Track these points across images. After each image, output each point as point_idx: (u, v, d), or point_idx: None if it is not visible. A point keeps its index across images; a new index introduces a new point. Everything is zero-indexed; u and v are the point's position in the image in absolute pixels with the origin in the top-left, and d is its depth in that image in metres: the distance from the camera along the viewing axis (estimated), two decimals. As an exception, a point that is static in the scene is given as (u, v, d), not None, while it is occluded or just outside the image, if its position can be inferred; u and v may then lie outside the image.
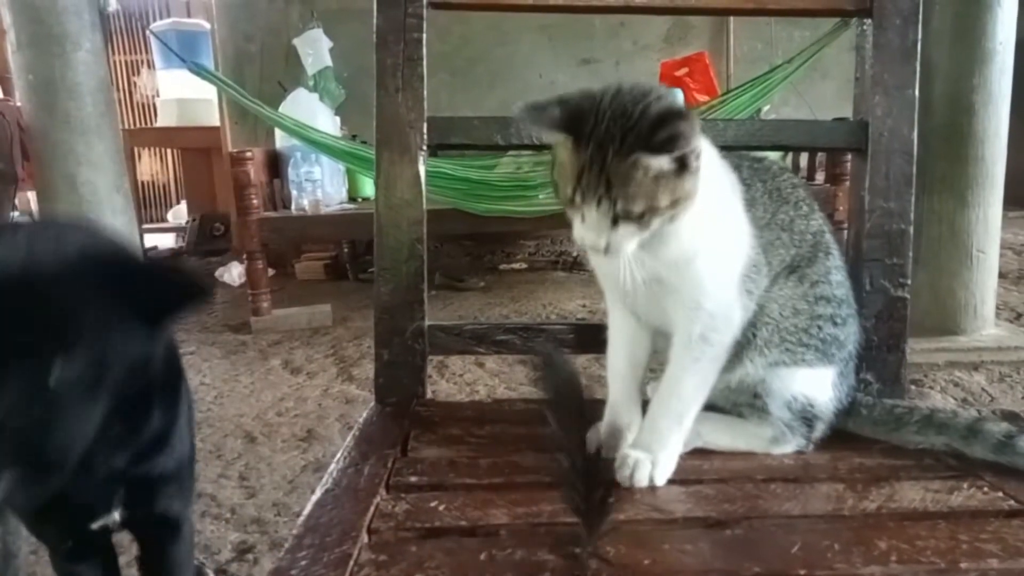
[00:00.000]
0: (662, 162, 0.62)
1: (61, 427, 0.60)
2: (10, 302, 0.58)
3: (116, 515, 0.79)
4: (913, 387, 2.06)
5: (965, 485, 0.67)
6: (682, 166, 0.63)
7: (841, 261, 0.81)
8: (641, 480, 0.68)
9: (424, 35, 0.90)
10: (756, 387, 0.76)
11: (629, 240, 0.65)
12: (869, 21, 0.89)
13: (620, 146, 0.62)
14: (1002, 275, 2.71)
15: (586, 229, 0.65)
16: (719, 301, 0.71)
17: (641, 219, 0.64)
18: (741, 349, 0.75)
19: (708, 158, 0.68)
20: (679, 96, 0.68)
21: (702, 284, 0.70)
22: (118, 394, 0.65)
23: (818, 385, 0.77)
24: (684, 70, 3.67)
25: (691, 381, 0.72)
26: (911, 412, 0.77)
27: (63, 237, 0.67)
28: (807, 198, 0.81)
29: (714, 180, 0.69)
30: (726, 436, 0.76)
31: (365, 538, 0.59)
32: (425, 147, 0.91)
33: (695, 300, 0.71)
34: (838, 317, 0.78)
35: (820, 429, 0.78)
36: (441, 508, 0.63)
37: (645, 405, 0.77)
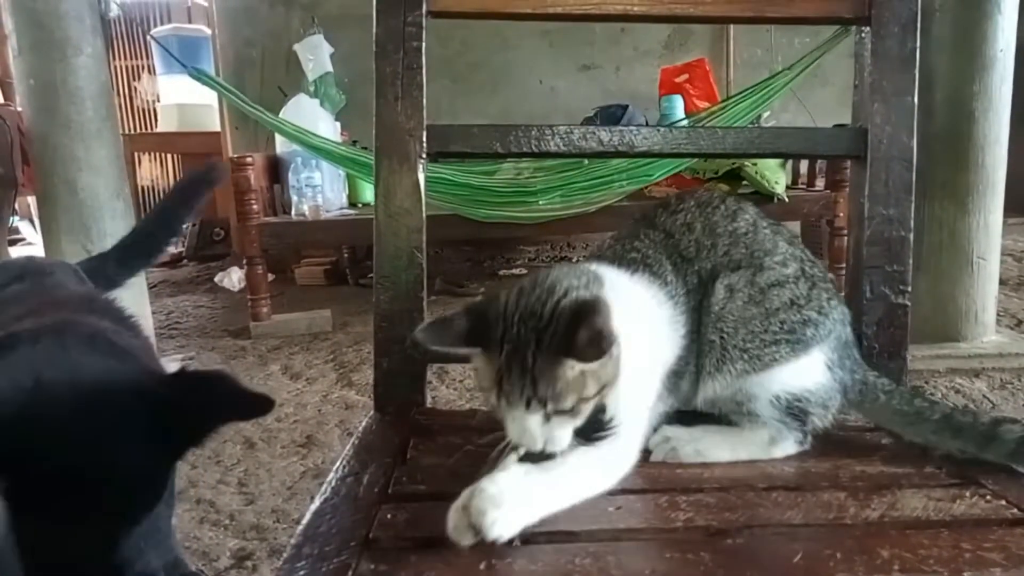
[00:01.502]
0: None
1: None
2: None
3: None
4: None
5: (967, 493, 0.66)
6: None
7: (787, 245, 0.79)
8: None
9: (423, 44, 0.90)
10: (735, 396, 0.76)
11: (562, 432, 0.63)
12: (868, 29, 0.89)
13: (537, 347, 0.61)
14: (1003, 282, 2.71)
15: (520, 432, 0.63)
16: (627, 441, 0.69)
17: (573, 411, 0.63)
18: (696, 378, 0.76)
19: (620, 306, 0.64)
20: (581, 285, 0.68)
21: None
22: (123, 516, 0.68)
23: (802, 376, 0.76)
24: (684, 76, 3.68)
25: (590, 468, 0.66)
26: (932, 408, 0.76)
27: (79, 362, 0.69)
28: (725, 210, 0.80)
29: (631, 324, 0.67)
30: (725, 450, 0.76)
31: (365, 547, 0.58)
32: (424, 155, 0.91)
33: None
34: (799, 298, 0.76)
35: (819, 418, 0.77)
36: (441, 517, 0.62)
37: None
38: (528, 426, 0.62)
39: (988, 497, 0.66)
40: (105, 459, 0.64)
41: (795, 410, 0.76)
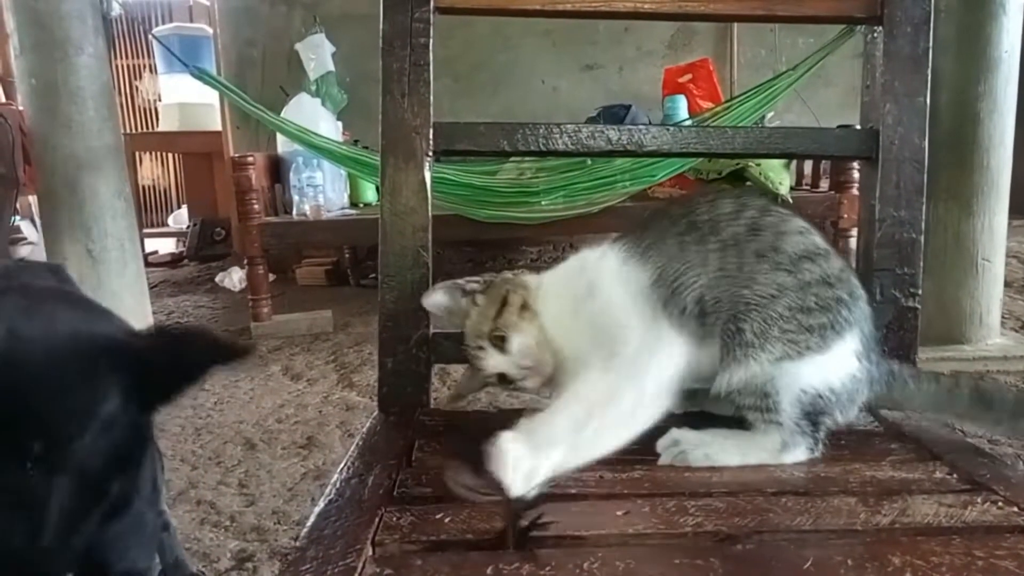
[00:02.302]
0: (449, 306, 0.84)
1: (33, 512, 0.59)
2: None
3: None
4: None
5: (979, 499, 0.66)
6: (471, 293, 0.83)
7: (805, 223, 0.80)
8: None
9: (431, 40, 0.89)
10: (765, 386, 0.75)
11: (519, 342, 0.78)
12: (879, 29, 0.89)
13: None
14: (1007, 284, 2.70)
15: (510, 370, 0.79)
16: (633, 337, 0.74)
17: (502, 329, 0.78)
18: (732, 349, 0.75)
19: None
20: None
21: (606, 332, 0.75)
22: (90, 476, 0.64)
23: (832, 369, 0.75)
24: (688, 76, 3.67)
25: (601, 392, 0.70)
26: (958, 384, 0.77)
27: (51, 314, 0.66)
28: (707, 213, 0.80)
29: (550, 275, 0.84)
30: (735, 454, 0.75)
31: (370, 551, 0.57)
32: (431, 153, 0.90)
33: (612, 347, 0.73)
34: (830, 276, 0.75)
35: (827, 427, 0.76)
36: (447, 520, 0.62)
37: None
38: (497, 363, 0.79)
39: (1000, 503, 0.65)
40: (80, 407, 0.62)
41: (814, 412, 0.75)
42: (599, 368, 0.72)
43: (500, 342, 0.78)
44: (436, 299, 0.84)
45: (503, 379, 0.80)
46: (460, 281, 0.83)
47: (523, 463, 0.61)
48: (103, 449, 0.64)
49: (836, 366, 0.76)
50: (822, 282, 0.75)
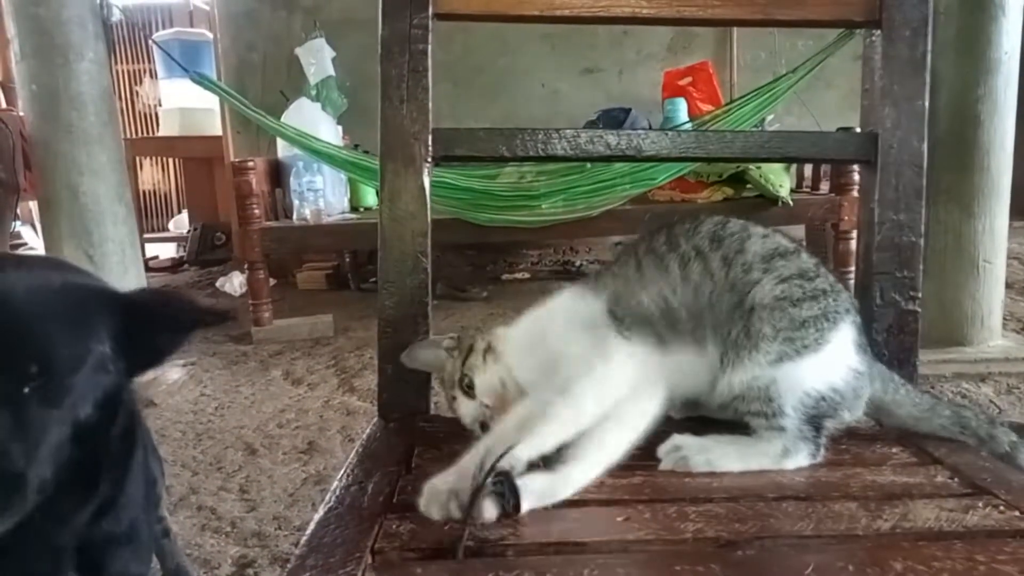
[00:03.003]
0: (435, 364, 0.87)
1: (27, 438, 0.59)
2: None
3: None
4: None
5: (980, 504, 0.65)
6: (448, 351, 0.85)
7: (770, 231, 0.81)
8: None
9: (429, 46, 0.89)
10: (768, 390, 0.74)
11: (482, 382, 0.79)
12: (878, 32, 0.89)
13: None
14: (1008, 286, 2.70)
15: (473, 411, 0.80)
16: (581, 357, 0.75)
17: (468, 374, 0.79)
18: (727, 352, 0.75)
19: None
20: None
21: (557, 359, 0.76)
22: (83, 428, 0.64)
23: (834, 367, 0.75)
24: (687, 79, 3.67)
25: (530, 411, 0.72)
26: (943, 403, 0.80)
27: (49, 271, 0.68)
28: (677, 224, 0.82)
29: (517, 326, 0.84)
30: (736, 460, 0.75)
31: (369, 559, 0.57)
32: (430, 159, 0.90)
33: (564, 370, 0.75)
34: (808, 271, 0.76)
35: (828, 431, 0.76)
36: (446, 528, 0.62)
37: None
38: (467, 408, 0.80)
39: (1001, 508, 0.65)
40: (73, 340, 0.63)
41: (817, 416, 0.75)
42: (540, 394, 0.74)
43: (470, 387, 0.79)
44: (416, 355, 0.86)
45: (484, 427, 0.79)
46: (437, 338, 0.85)
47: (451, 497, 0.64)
48: (94, 399, 0.64)
49: (837, 362, 0.76)
50: (800, 275, 0.76)
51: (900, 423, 0.81)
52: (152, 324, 0.69)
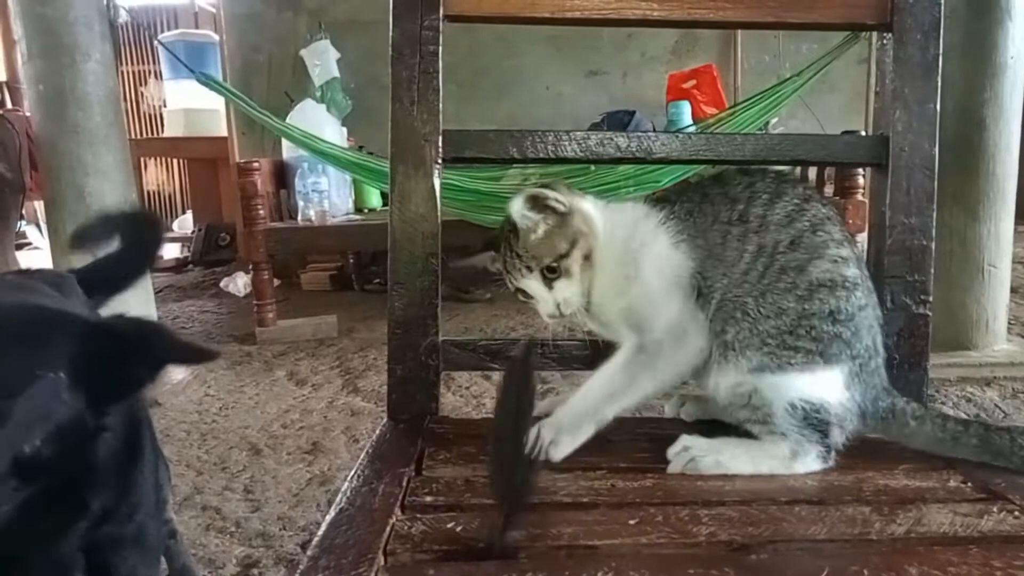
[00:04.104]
0: (529, 214, 0.80)
1: None
2: None
3: None
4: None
5: (995, 508, 0.65)
6: (555, 212, 0.79)
7: (842, 234, 0.78)
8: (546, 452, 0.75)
9: (440, 48, 0.89)
10: (751, 397, 0.75)
11: (567, 291, 0.79)
12: (889, 35, 0.88)
13: (511, 231, 0.82)
14: (1014, 290, 2.69)
15: (541, 306, 0.81)
16: (665, 317, 0.77)
17: (560, 270, 0.79)
18: (717, 348, 0.76)
19: (606, 207, 0.84)
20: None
21: (641, 308, 0.78)
22: (46, 467, 0.60)
23: (822, 388, 0.74)
24: (692, 82, 3.67)
25: (623, 379, 0.77)
26: (967, 431, 0.75)
27: (6, 291, 0.65)
28: (767, 187, 0.79)
29: (617, 214, 0.83)
30: (746, 461, 0.75)
31: (381, 560, 0.57)
32: (440, 161, 0.90)
33: (640, 319, 0.78)
34: (840, 312, 0.74)
35: (838, 434, 0.75)
36: (459, 529, 0.61)
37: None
38: (533, 289, 0.81)
39: (1016, 513, 0.65)
40: (21, 362, 0.59)
41: (814, 421, 0.74)
42: (623, 353, 0.78)
43: (550, 275, 0.79)
44: (521, 209, 0.80)
45: (522, 293, 0.82)
46: (550, 194, 0.79)
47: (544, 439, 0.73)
48: (45, 431, 0.60)
49: (824, 387, 0.75)
50: (827, 316, 0.74)
51: (923, 448, 0.78)
52: (125, 355, 0.64)
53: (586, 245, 0.79)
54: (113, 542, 0.77)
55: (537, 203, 0.79)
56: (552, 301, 0.80)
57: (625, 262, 0.79)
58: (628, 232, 0.80)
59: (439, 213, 0.90)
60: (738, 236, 0.77)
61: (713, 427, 0.80)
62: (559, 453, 0.74)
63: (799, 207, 0.77)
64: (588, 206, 0.82)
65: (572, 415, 0.76)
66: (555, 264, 0.78)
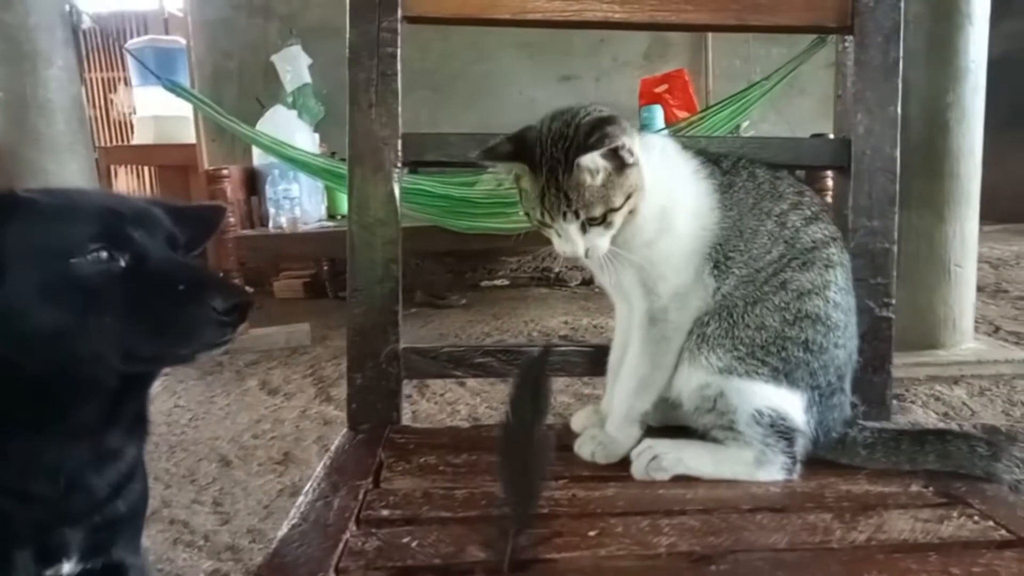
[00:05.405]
0: (599, 163, 0.72)
1: None
2: None
3: (67, 567, 0.76)
4: (895, 402, 2.05)
5: (955, 514, 0.65)
6: (621, 164, 0.72)
7: (846, 283, 0.78)
8: (587, 457, 0.78)
9: (399, 50, 0.88)
10: (716, 401, 0.75)
11: (601, 240, 0.74)
12: (851, 38, 0.88)
13: (566, 164, 0.72)
14: (980, 289, 2.72)
15: (563, 242, 0.75)
16: (674, 283, 0.76)
17: (604, 221, 0.73)
18: (693, 339, 0.76)
19: (656, 151, 0.78)
20: (603, 110, 0.78)
21: (658, 265, 0.76)
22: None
23: (785, 401, 0.74)
24: (664, 87, 3.69)
25: (645, 361, 0.78)
26: (923, 448, 0.75)
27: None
28: (812, 203, 0.80)
29: (664, 168, 0.78)
30: (708, 463, 0.74)
31: (333, 578, 0.55)
32: (399, 164, 0.88)
33: (652, 280, 0.77)
34: (814, 344, 0.74)
35: (802, 443, 0.75)
36: (414, 544, 0.60)
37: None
38: (570, 234, 0.74)
39: (976, 518, 0.64)
40: None
41: (781, 428, 0.74)
42: (636, 341, 0.79)
43: (591, 223, 0.73)
44: (595, 157, 0.72)
45: (544, 225, 0.76)
46: (626, 142, 0.72)
47: (587, 447, 0.79)
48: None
49: (787, 401, 0.75)
50: (801, 343, 0.75)
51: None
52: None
53: (636, 200, 0.74)
54: (113, 520, 0.79)
55: (609, 151, 0.71)
56: (583, 246, 0.74)
57: (663, 216, 0.76)
58: (670, 186, 0.77)
59: (399, 218, 0.88)
60: (769, 233, 0.77)
61: (679, 432, 0.79)
62: (611, 455, 0.78)
63: (825, 240, 0.78)
64: (643, 159, 0.75)
65: (616, 424, 0.79)
66: (603, 214, 0.72)
